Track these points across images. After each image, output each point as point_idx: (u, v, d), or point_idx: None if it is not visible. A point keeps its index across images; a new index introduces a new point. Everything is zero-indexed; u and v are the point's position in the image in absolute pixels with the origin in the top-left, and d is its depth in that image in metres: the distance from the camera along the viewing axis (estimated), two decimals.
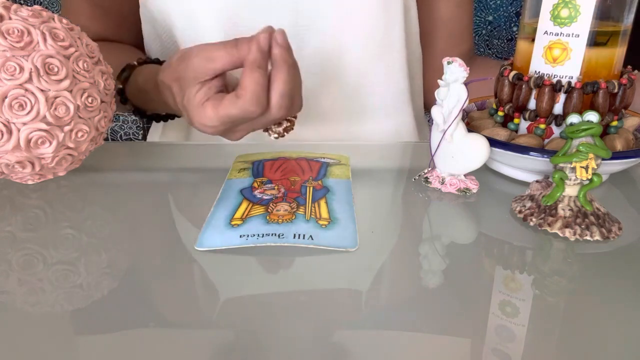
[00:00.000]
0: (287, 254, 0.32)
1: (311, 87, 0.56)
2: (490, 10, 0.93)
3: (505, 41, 0.95)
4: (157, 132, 0.67)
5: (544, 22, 0.39)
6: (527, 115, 0.41)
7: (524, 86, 0.41)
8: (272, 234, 0.33)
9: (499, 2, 0.92)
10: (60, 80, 0.37)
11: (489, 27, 0.94)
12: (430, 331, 0.27)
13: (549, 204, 0.36)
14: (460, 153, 0.40)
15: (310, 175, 0.43)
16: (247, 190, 0.40)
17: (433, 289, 0.30)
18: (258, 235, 0.33)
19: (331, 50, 0.56)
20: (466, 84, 0.38)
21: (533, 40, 0.41)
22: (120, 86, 0.52)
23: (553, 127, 0.41)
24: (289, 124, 0.43)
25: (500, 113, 0.44)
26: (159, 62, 0.54)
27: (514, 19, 0.93)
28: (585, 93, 0.39)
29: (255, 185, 0.41)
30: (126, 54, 0.58)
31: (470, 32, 0.69)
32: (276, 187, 0.41)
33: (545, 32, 0.39)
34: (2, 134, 0.36)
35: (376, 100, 0.60)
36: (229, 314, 0.28)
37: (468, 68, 0.38)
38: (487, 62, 0.69)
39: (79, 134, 0.39)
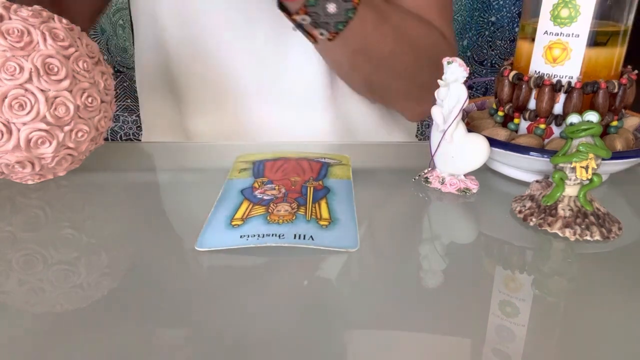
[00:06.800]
0: (288, 255, 0.32)
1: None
2: (493, 11, 0.93)
3: (508, 42, 0.95)
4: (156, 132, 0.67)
5: (544, 22, 0.39)
6: (527, 115, 0.41)
7: (524, 86, 0.41)
8: (272, 234, 0.33)
9: (501, 2, 0.92)
10: (60, 80, 0.37)
11: (491, 28, 0.94)
12: (430, 331, 0.27)
13: (549, 204, 0.36)
14: (460, 153, 0.40)
15: (310, 175, 0.43)
16: (247, 190, 0.40)
17: (433, 289, 0.30)
18: (258, 235, 0.33)
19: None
20: (466, 84, 0.38)
21: (533, 40, 0.41)
22: None
23: (553, 127, 0.41)
24: None
25: (500, 113, 0.44)
26: None
27: (516, 20, 0.93)
28: (585, 93, 0.39)
29: (256, 185, 0.41)
30: None
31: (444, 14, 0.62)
32: (277, 188, 0.41)
33: (545, 32, 0.39)
34: (2, 134, 0.36)
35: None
36: (229, 314, 0.28)
37: (468, 68, 0.38)
38: None
39: (79, 134, 0.39)
